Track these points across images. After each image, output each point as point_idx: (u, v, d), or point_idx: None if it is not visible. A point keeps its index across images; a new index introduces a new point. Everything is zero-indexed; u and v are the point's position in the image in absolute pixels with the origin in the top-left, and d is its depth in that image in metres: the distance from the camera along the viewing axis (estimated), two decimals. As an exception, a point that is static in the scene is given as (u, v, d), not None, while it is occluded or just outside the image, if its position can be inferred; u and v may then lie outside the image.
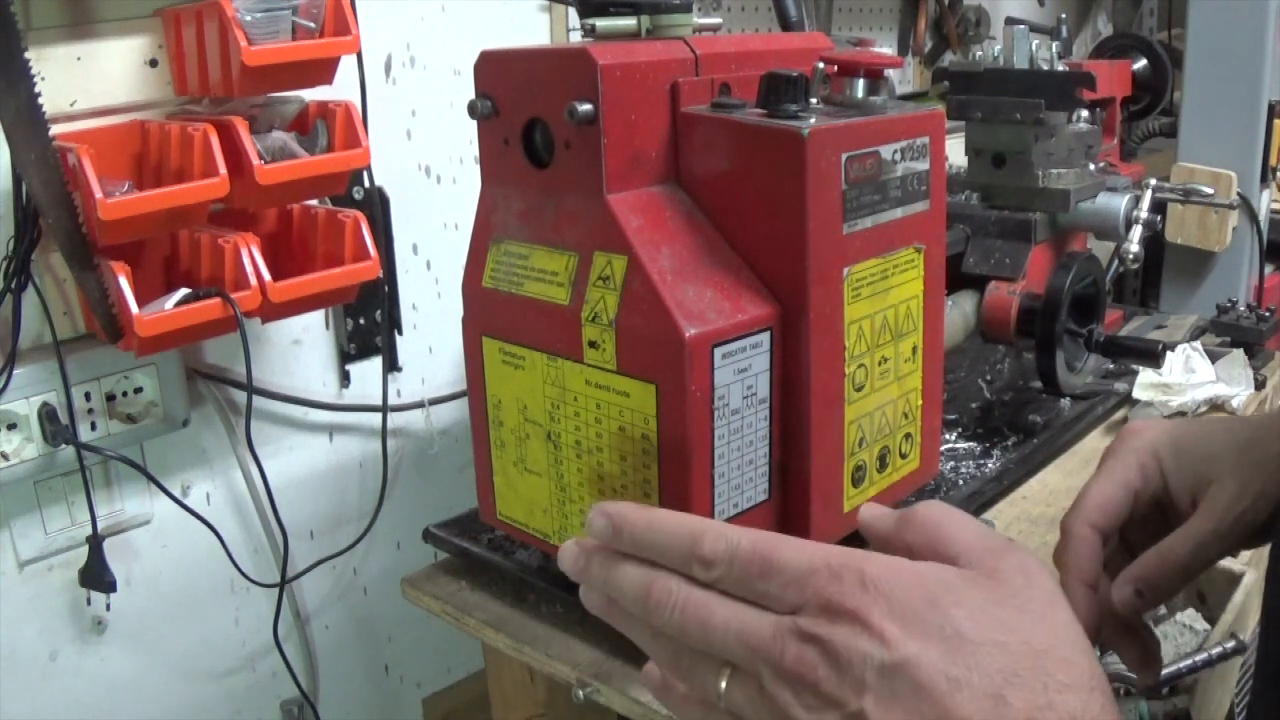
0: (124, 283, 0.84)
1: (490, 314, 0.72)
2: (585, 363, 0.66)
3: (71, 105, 0.91)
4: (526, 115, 0.68)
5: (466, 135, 1.19)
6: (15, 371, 0.88)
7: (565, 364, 0.67)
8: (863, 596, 0.40)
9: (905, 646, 0.39)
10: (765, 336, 0.64)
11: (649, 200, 0.66)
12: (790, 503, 0.68)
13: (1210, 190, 1.34)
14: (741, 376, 0.64)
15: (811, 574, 0.41)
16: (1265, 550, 0.53)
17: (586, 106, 0.63)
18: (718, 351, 0.62)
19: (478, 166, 0.74)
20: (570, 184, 0.66)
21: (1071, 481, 0.97)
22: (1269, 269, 1.83)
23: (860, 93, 0.69)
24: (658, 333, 0.61)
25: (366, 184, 1.11)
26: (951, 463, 0.95)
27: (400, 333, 1.20)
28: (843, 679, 0.39)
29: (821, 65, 0.69)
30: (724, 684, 0.43)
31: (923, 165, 0.71)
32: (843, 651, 0.39)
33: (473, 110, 0.71)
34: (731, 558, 0.43)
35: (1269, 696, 0.50)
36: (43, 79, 0.84)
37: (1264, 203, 1.76)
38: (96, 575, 0.96)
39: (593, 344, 0.65)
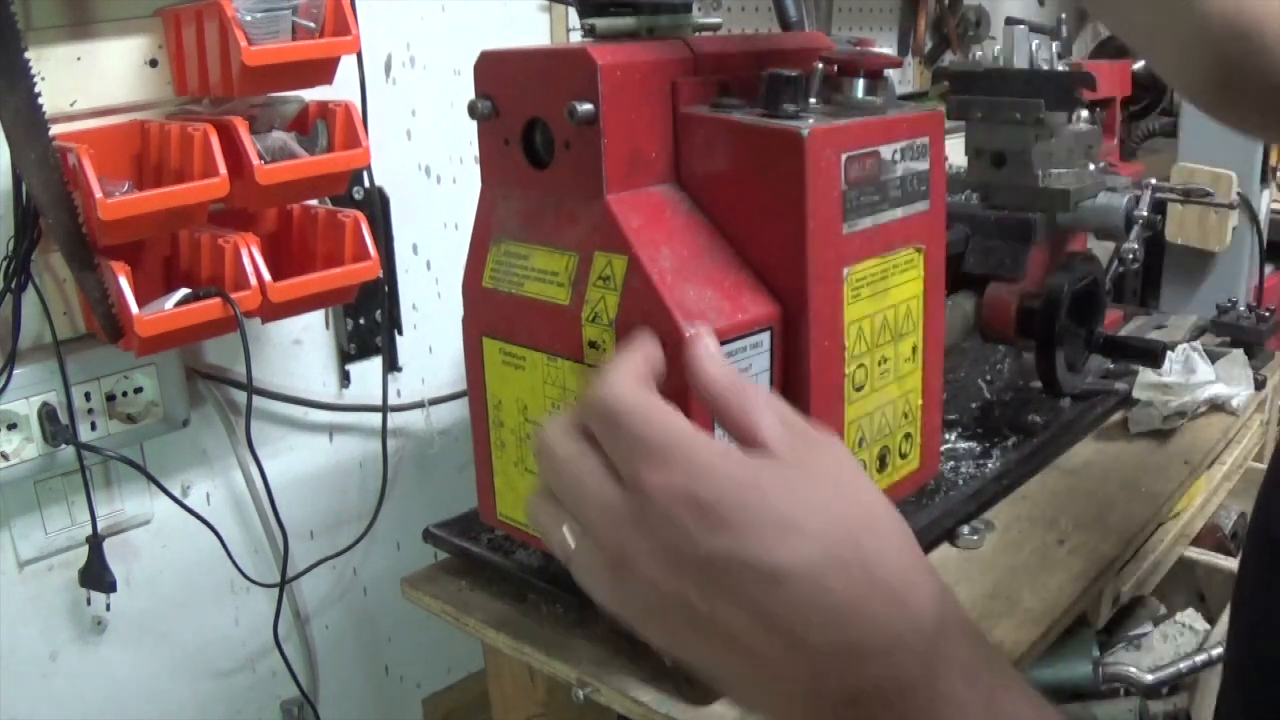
0: (124, 283, 0.84)
1: (490, 314, 0.72)
2: (585, 363, 0.66)
3: (71, 105, 0.91)
4: (526, 115, 0.68)
5: (466, 135, 1.19)
6: (15, 371, 0.88)
7: (565, 364, 0.67)
8: (690, 482, 0.39)
9: (722, 538, 0.37)
10: (765, 336, 0.64)
11: (649, 200, 0.66)
12: (790, 503, 0.68)
13: (1210, 190, 1.35)
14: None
15: (649, 446, 0.40)
16: None
17: (586, 106, 0.63)
18: (718, 351, 0.62)
19: (478, 166, 0.74)
20: (570, 184, 0.66)
21: (1072, 481, 0.96)
22: (1269, 269, 1.83)
23: (860, 93, 0.69)
24: (658, 333, 0.61)
25: (366, 184, 1.11)
26: (951, 463, 0.95)
27: (400, 333, 1.20)
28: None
29: (821, 65, 0.69)
30: (574, 542, 0.42)
31: (923, 165, 0.71)
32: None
33: (473, 110, 0.71)
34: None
35: (1235, 689, 0.48)
36: (43, 79, 0.84)
37: (1264, 203, 1.77)
38: (96, 575, 0.96)
39: (593, 344, 0.65)
